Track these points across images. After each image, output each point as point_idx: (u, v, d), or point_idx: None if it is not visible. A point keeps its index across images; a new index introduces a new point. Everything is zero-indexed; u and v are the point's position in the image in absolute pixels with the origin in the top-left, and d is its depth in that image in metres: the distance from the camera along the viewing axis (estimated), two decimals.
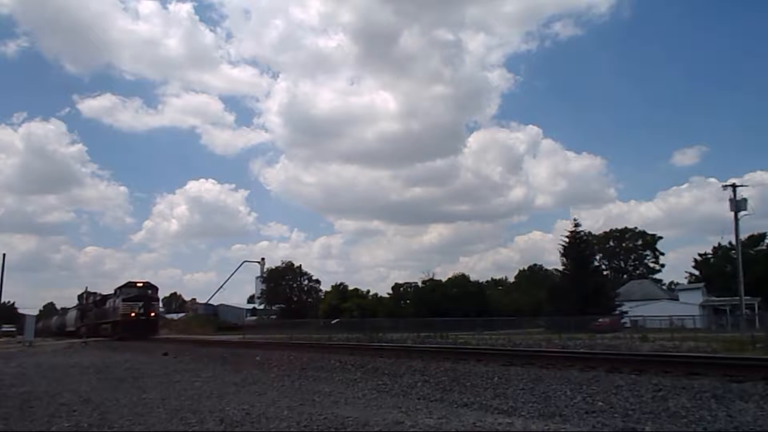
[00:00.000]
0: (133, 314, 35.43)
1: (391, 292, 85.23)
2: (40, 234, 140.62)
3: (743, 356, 10.95)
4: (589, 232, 65.39)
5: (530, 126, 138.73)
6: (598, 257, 74.87)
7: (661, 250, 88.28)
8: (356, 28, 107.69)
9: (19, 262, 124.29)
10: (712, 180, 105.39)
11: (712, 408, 5.47)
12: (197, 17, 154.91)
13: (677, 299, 61.55)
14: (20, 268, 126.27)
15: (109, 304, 40.32)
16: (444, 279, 78.32)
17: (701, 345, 17.39)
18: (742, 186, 39.89)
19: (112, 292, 40.95)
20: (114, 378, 10.27)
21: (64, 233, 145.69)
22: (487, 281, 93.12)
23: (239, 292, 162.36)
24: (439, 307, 60.89)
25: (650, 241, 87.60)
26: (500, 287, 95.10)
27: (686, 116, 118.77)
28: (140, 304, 36.11)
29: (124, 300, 36.25)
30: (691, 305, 53.78)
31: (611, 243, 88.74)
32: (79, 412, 6.28)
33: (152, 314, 37.01)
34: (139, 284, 38.43)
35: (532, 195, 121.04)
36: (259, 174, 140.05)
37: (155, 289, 39.71)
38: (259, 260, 70.92)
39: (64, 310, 64.28)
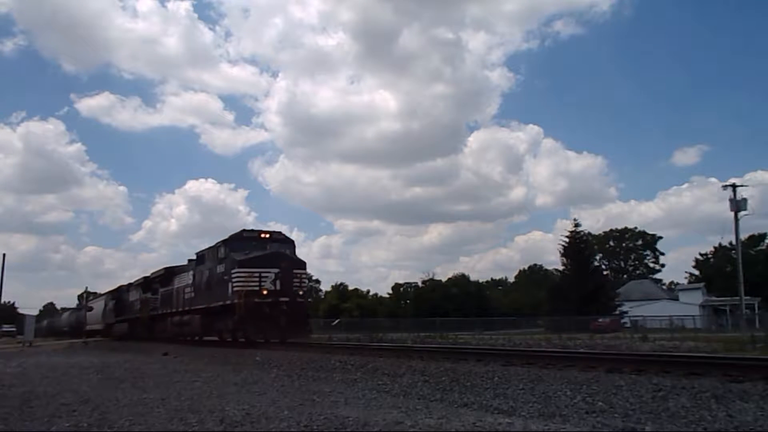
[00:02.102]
0: (265, 292, 18.49)
1: (391, 292, 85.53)
2: (39, 234, 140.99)
3: (743, 356, 10.94)
4: (589, 232, 65.69)
5: (531, 125, 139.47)
6: (598, 257, 75.01)
7: (661, 250, 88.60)
8: (356, 27, 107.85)
9: (18, 262, 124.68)
10: (713, 180, 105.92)
11: (712, 408, 5.46)
12: (196, 15, 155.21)
13: (677, 299, 61.62)
14: (20, 268, 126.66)
15: (189, 278, 23.48)
16: (444, 279, 78.58)
17: (701, 345, 17.38)
18: (742, 186, 39.89)
19: (193, 257, 24.06)
20: (114, 378, 10.26)
21: (64, 233, 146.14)
22: (487, 281, 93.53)
23: None
24: (439, 307, 60.94)
25: (650, 241, 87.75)
26: (500, 287, 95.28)
27: (687, 116, 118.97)
28: (275, 272, 18.74)
29: (242, 265, 18.87)
30: (691, 305, 53.85)
31: (611, 243, 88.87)
32: (79, 412, 6.27)
33: (301, 293, 19.46)
34: (264, 235, 20.63)
35: (532, 195, 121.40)
36: (258, 173, 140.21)
37: (292, 244, 21.18)
38: None
39: (70, 308, 59.10)
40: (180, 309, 24.24)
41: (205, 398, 7.16)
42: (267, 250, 19.87)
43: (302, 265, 20.37)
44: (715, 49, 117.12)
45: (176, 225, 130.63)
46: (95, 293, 46.31)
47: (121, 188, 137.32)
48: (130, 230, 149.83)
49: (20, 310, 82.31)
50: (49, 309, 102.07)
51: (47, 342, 37.87)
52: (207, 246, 22.50)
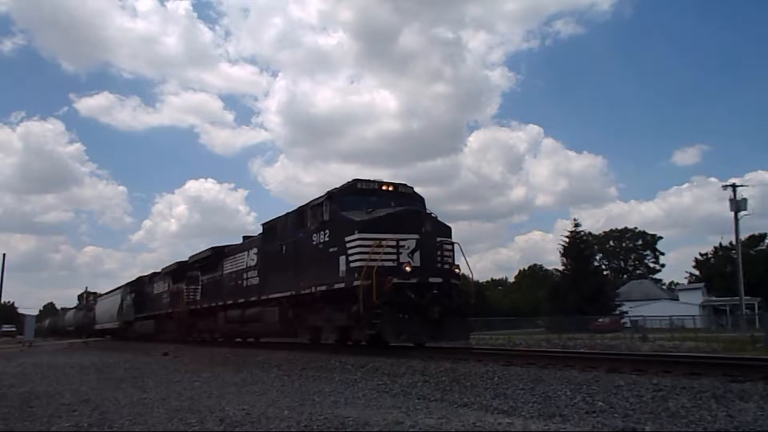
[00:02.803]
0: (408, 268, 11.93)
1: None
2: (39, 234, 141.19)
3: (743, 356, 10.95)
4: (589, 232, 65.81)
5: (531, 125, 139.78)
6: (598, 257, 75.08)
7: (661, 250, 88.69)
8: (356, 26, 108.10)
9: (18, 262, 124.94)
10: (713, 180, 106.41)
11: (712, 408, 5.46)
12: (195, 15, 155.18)
13: (677, 299, 61.68)
14: (20, 268, 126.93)
15: (251, 259, 18.06)
16: None
17: (701, 345, 17.39)
18: (742, 186, 40.10)
19: (250, 234, 19.36)
20: (114, 378, 10.26)
21: (64, 233, 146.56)
22: (487, 281, 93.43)
23: None
24: None
25: (650, 241, 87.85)
26: (500, 287, 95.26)
27: (687, 115, 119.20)
28: (415, 240, 12.17)
29: (364, 228, 12.24)
30: (691, 305, 53.89)
31: (611, 243, 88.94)
32: (79, 412, 6.27)
33: (456, 271, 13.03)
34: (386, 187, 14.12)
35: (532, 195, 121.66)
36: (258, 173, 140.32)
37: (422, 202, 14.45)
38: None
39: (72, 307, 55.71)
40: (239, 300, 18.22)
41: (205, 398, 7.16)
42: (395, 208, 13.15)
43: (448, 231, 13.49)
44: (715, 48, 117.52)
45: (176, 225, 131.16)
46: (95, 293, 45.90)
47: (121, 188, 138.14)
48: (130, 230, 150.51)
49: (20, 310, 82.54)
50: (49, 309, 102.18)
51: (48, 342, 37.82)
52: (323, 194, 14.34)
